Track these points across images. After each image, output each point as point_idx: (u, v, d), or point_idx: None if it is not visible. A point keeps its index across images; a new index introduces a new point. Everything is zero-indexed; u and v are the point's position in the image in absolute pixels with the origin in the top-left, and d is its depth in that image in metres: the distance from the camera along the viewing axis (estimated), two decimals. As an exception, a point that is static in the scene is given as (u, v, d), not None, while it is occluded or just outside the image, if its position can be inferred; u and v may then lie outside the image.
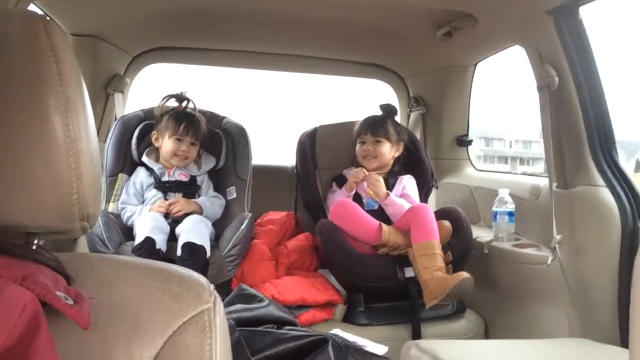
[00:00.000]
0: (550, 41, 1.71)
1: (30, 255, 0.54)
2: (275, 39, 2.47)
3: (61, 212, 0.56)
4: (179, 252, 1.83)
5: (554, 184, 1.81)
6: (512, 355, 1.44)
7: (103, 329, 0.54)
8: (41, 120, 0.54)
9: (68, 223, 0.57)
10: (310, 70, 2.85)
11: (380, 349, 1.37)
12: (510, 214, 2.05)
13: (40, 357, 0.46)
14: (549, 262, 1.75)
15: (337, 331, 1.37)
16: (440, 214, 2.05)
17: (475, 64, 2.55)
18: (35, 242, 0.60)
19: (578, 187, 1.75)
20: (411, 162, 2.27)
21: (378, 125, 2.18)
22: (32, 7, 1.66)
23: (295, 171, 2.42)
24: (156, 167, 2.09)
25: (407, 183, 2.19)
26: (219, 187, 2.18)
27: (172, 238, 1.92)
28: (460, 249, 1.98)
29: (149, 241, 1.80)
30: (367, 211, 2.04)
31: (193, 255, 1.81)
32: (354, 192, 2.10)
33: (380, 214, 2.05)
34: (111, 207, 2.05)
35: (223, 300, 1.42)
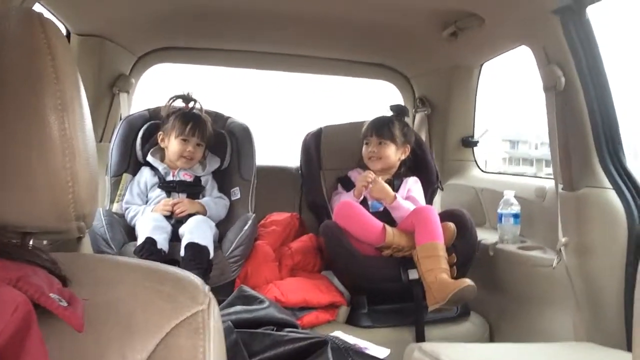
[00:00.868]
0: (556, 41, 1.69)
1: (25, 257, 0.54)
2: (281, 39, 2.47)
3: (57, 212, 0.56)
4: (182, 253, 1.83)
5: (560, 186, 1.79)
6: (517, 359, 1.43)
7: (96, 330, 0.54)
8: (37, 118, 0.54)
9: (64, 223, 0.57)
10: (315, 70, 2.85)
11: (382, 352, 1.36)
12: (515, 216, 2.03)
13: (31, 358, 0.46)
14: (554, 264, 1.74)
15: (338, 333, 1.36)
16: (445, 216, 2.03)
17: (481, 65, 2.54)
18: (31, 242, 0.60)
19: (584, 189, 1.73)
20: (416, 163, 2.26)
21: (384, 126, 2.17)
22: (37, 7, 1.66)
23: (299, 172, 2.42)
24: (161, 167, 2.09)
25: (413, 185, 2.18)
26: (223, 188, 2.18)
27: (176, 238, 1.92)
28: (465, 251, 1.96)
29: (150, 241, 1.80)
30: (372, 213, 2.03)
31: (196, 256, 1.80)
32: (362, 197, 2.09)
33: (385, 216, 2.04)
34: (115, 207, 2.06)
35: (224, 301, 1.42)
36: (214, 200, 2.11)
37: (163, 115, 2.15)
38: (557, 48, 1.71)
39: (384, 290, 1.92)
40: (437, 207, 2.39)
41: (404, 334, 1.88)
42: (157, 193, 2.06)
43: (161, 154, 2.13)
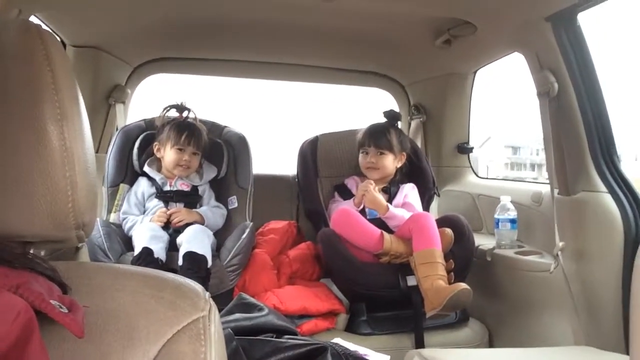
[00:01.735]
0: (549, 48, 1.71)
1: (26, 264, 0.54)
2: (276, 49, 2.49)
3: (56, 221, 0.56)
4: (180, 262, 1.83)
5: (556, 191, 1.80)
6: (516, 364, 1.43)
7: (97, 337, 0.54)
8: (36, 128, 0.54)
9: (63, 231, 0.57)
10: (311, 79, 2.86)
11: (382, 359, 1.36)
12: (512, 221, 2.04)
13: None
14: (551, 269, 1.74)
15: (338, 340, 1.36)
16: (442, 222, 2.04)
17: (475, 72, 2.56)
18: (32, 251, 0.60)
19: (580, 194, 1.74)
20: (413, 170, 2.27)
21: (382, 136, 2.16)
22: (32, 20, 1.67)
23: (296, 180, 2.42)
24: (158, 177, 2.09)
25: (409, 192, 2.18)
26: (220, 197, 2.18)
27: (174, 248, 1.92)
28: (462, 256, 1.96)
29: (146, 251, 1.80)
30: (370, 220, 2.03)
31: (194, 265, 1.80)
32: (362, 205, 2.10)
33: (383, 222, 2.04)
34: (112, 218, 2.06)
35: (223, 309, 1.42)
36: (211, 210, 2.11)
37: (158, 126, 2.15)
38: (549, 54, 1.73)
39: (383, 297, 1.92)
40: (433, 213, 2.40)
41: (404, 340, 1.88)
42: (155, 203, 2.06)
43: (158, 165, 2.14)
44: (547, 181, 1.86)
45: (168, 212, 2.01)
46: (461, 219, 2.06)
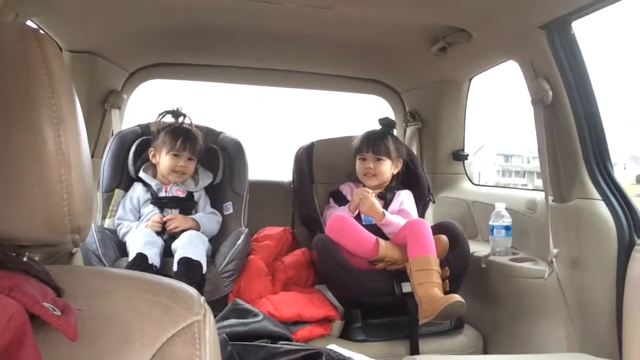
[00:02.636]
0: (543, 56, 1.73)
1: (19, 267, 0.54)
2: (272, 55, 2.49)
3: (51, 225, 0.56)
4: (174, 268, 1.82)
5: (550, 198, 1.81)
6: (510, 370, 1.43)
7: (91, 340, 0.54)
8: (32, 132, 0.54)
9: (58, 235, 0.57)
10: (307, 86, 2.87)
11: (376, 365, 1.36)
12: (507, 228, 2.05)
13: None
14: (546, 276, 1.74)
15: (333, 347, 1.36)
16: (437, 229, 2.04)
17: (470, 79, 2.58)
18: (27, 254, 0.60)
19: (574, 201, 1.75)
20: (408, 176, 2.27)
21: (379, 142, 2.17)
22: (29, 24, 1.67)
23: (292, 186, 2.42)
24: (153, 183, 2.09)
25: (405, 198, 2.19)
26: (216, 203, 2.18)
27: (169, 254, 1.92)
28: (457, 263, 1.97)
29: (141, 257, 1.79)
30: (365, 226, 2.03)
31: (189, 271, 1.80)
32: (357, 211, 2.10)
33: (378, 229, 2.04)
34: (107, 223, 2.05)
35: (217, 315, 1.41)
36: (206, 216, 2.11)
37: (153, 131, 2.15)
38: (544, 62, 1.74)
39: (378, 303, 1.92)
40: (429, 220, 2.40)
41: (399, 347, 1.88)
42: (150, 209, 2.06)
43: (153, 170, 2.13)
44: (538, 188, 1.87)
45: (163, 219, 2.01)
46: (456, 225, 2.06)
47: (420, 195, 2.26)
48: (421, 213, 2.26)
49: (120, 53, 2.31)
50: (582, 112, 1.70)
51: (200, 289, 1.78)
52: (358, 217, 2.09)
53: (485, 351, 2.04)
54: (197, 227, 2.04)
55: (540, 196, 1.97)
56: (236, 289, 1.98)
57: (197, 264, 1.83)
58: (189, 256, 1.83)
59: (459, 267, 1.97)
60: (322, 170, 2.33)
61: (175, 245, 1.91)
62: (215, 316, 0.61)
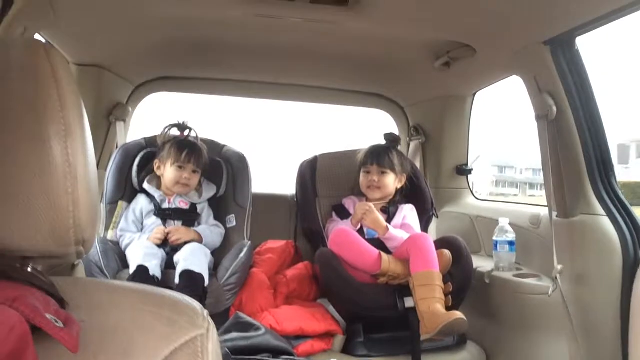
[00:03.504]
0: (547, 71, 1.73)
1: (24, 278, 0.54)
2: (278, 70, 2.51)
3: (57, 236, 0.56)
4: (177, 280, 1.82)
5: (554, 213, 1.80)
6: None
7: (93, 353, 0.53)
8: (40, 144, 0.54)
9: (63, 247, 0.57)
10: (312, 99, 2.89)
11: (379, 380, 1.35)
12: (510, 243, 2.04)
13: None
14: (550, 292, 1.73)
15: (335, 361, 1.34)
16: (441, 243, 2.04)
17: (474, 94, 2.58)
18: (31, 265, 0.60)
19: (578, 217, 1.74)
20: (411, 191, 2.27)
21: (384, 155, 2.18)
22: (37, 37, 1.69)
23: (295, 200, 2.42)
24: (157, 194, 2.10)
25: (408, 213, 2.19)
26: (219, 215, 2.18)
27: (171, 266, 1.91)
28: (460, 278, 1.95)
29: (141, 269, 1.79)
30: (368, 240, 2.03)
31: (191, 283, 1.79)
32: (359, 225, 2.10)
33: (381, 243, 2.04)
34: (110, 235, 2.05)
35: (219, 329, 1.41)
36: (209, 228, 2.11)
37: (159, 143, 2.16)
38: (548, 78, 1.75)
39: (380, 318, 1.90)
40: (432, 234, 2.40)
41: (401, 363, 1.86)
42: (153, 220, 2.06)
43: (157, 182, 2.14)
44: (532, 199, 1.87)
45: (166, 231, 2.01)
46: (459, 240, 2.05)
47: (423, 209, 2.26)
48: (424, 227, 2.25)
49: (126, 66, 2.33)
50: (586, 127, 1.70)
51: (202, 301, 1.77)
52: (361, 231, 2.09)
53: (488, 367, 2.03)
54: (200, 240, 2.03)
55: (544, 211, 1.96)
56: (238, 302, 1.97)
57: (199, 276, 1.82)
58: (191, 269, 1.82)
59: (462, 282, 1.95)
60: (326, 184, 2.33)
61: (177, 257, 1.91)
62: (217, 329, 0.61)
